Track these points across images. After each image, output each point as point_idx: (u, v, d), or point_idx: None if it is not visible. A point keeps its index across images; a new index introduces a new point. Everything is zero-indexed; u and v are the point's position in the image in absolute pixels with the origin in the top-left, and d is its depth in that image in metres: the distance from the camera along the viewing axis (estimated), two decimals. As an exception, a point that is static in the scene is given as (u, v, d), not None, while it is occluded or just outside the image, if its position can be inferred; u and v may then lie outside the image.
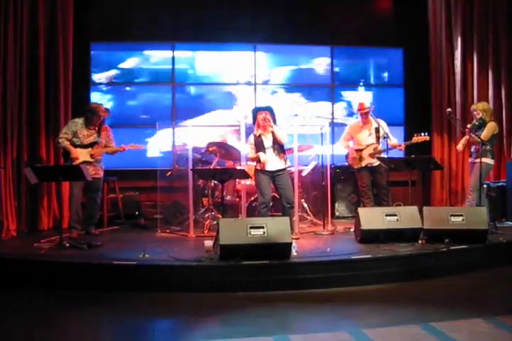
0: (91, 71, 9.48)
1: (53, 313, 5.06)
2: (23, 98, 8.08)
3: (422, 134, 7.78)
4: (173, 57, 9.75)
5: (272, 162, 7.19)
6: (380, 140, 7.95)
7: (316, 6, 9.87)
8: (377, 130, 7.95)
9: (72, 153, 7.42)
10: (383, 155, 7.96)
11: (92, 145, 7.56)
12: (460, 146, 7.98)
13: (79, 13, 8.74)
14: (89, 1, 9.19)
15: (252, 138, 7.27)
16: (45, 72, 8.33)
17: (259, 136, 7.22)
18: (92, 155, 7.53)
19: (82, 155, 7.46)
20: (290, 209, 7.23)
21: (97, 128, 7.63)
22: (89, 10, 9.22)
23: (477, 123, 7.67)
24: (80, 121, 7.58)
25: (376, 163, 8.00)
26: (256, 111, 7.28)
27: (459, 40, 9.49)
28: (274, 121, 7.19)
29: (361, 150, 8.13)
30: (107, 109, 7.75)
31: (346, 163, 8.49)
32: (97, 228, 7.94)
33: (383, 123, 8.09)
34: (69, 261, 6.00)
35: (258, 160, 7.16)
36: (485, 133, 7.58)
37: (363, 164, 8.11)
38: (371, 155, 8.07)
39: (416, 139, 7.82)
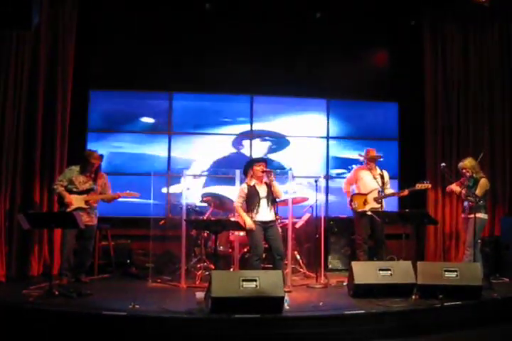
0: (88, 118, 9.53)
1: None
2: (20, 143, 8.13)
3: (425, 182, 8.03)
4: (170, 107, 9.83)
5: (265, 212, 7.23)
6: (385, 186, 8.24)
7: (313, 60, 10.07)
8: (381, 176, 8.25)
9: (66, 197, 7.42)
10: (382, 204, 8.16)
11: (87, 191, 7.57)
12: (457, 188, 7.99)
13: (79, 61, 8.86)
14: (90, 50, 9.30)
15: (245, 187, 7.29)
16: (42, 118, 8.39)
17: (254, 185, 7.26)
18: (86, 202, 7.52)
19: (76, 201, 7.45)
20: (280, 261, 7.20)
21: (93, 175, 7.65)
22: (90, 59, 9.34)
23: (471, 184, 7.77)
24: (76, 168, 7.63)
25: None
26: (253, 163, 7.34)
27: (455, 95, 9.67)
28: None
29: (366, 194, 8.18)
30: (100, 156, 7.72)
31: (350, 207, 8.42)
32: (88, 276, 7.83)
33: (386, 174, 8.43)
34: (57, 310, 5.89)
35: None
36: (479, 191, 7.67)
37: (367, 208, 8.14)
38: (376, 200, 8.17)
39: (420, 186, 8.05)
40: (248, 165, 7.38)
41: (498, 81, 9.63)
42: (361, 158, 8.48)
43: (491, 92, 9.65)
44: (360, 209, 8.22)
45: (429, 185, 8.17)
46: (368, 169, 8.39)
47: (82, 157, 7.75)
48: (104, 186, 7.79)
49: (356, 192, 8.42)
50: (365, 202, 8.17)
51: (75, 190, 7.51)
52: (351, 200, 8.36)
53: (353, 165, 9.27)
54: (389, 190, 8.37)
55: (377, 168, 8.42)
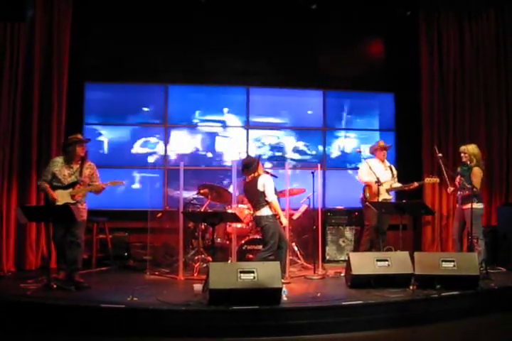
0: (84, 112, 9.49)
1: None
2: (15, 138, 8.11)
3: (433, 176, 8.27)
4: (166, 99, 9.80)
5: None
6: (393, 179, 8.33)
7: (309, 51, 10.06)
8: (390, 169, 8.38)
9: (49, 195, 6.87)
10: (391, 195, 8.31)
11: (72, 185, 6.90)
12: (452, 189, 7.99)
13: (74, 54, 8.81)
14: (85, 42, 9.25)
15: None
16: (38, 111, 8.34)
17: None
18: (73, 197, 6.89)
19: (62, 197, 6.84)
20: (286, 251, 7.29)
21: (78, 167, 6.99)
22: (85, 51, 9.29)
23: (463, 172, 7.75)
24: (59, 159, 7.03)
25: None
26: (259, 160, 7.35)
27: (451, 85, 9.66)
28: None
29: (378, 185, 8.15)
30: (86, 140, 7.19)
31: (362, 196, 8.42)
32: (86, 269, 7.70)
33: (394, 168, 8.53)
34: (56, 303, 5.89)
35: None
36: (475, 181, 7.60)
37: (379, 199, 8.06)
38: (387, 191, 8.21)
39: (428, 180, 8.23)
40: (256, 160, 7.32)
41: (494, 69, 9.60)
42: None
43: (487, 81, 9.63)
44: (372, 200, 8.12)
45: (438, 179, 8.24)
46: (378, 161, 8.41)
47: (65, 145, 7.13)
48: (92, 177, 7.07)
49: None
50: (377, 193, 8.10)
51: (59, 184, 6.90)
52: (364, 191, 8.38)
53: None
54: (397, 184, 8.38)
55: (387, 161, 8.49)
